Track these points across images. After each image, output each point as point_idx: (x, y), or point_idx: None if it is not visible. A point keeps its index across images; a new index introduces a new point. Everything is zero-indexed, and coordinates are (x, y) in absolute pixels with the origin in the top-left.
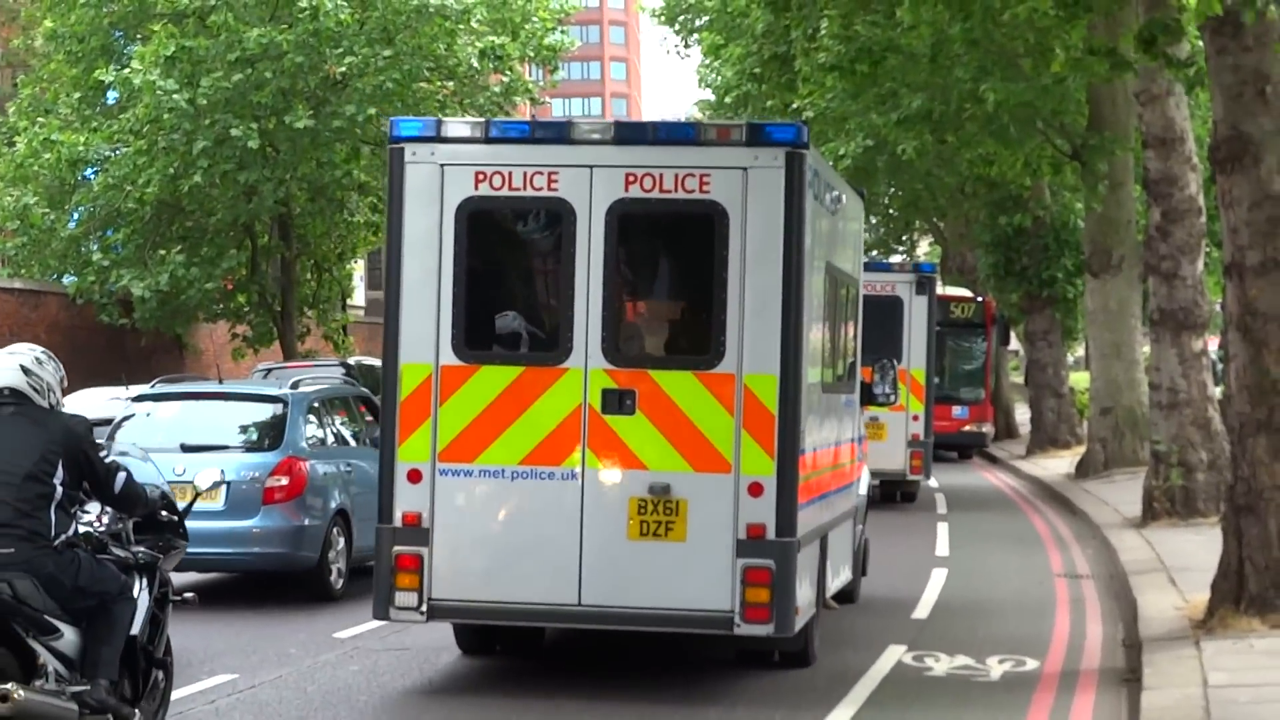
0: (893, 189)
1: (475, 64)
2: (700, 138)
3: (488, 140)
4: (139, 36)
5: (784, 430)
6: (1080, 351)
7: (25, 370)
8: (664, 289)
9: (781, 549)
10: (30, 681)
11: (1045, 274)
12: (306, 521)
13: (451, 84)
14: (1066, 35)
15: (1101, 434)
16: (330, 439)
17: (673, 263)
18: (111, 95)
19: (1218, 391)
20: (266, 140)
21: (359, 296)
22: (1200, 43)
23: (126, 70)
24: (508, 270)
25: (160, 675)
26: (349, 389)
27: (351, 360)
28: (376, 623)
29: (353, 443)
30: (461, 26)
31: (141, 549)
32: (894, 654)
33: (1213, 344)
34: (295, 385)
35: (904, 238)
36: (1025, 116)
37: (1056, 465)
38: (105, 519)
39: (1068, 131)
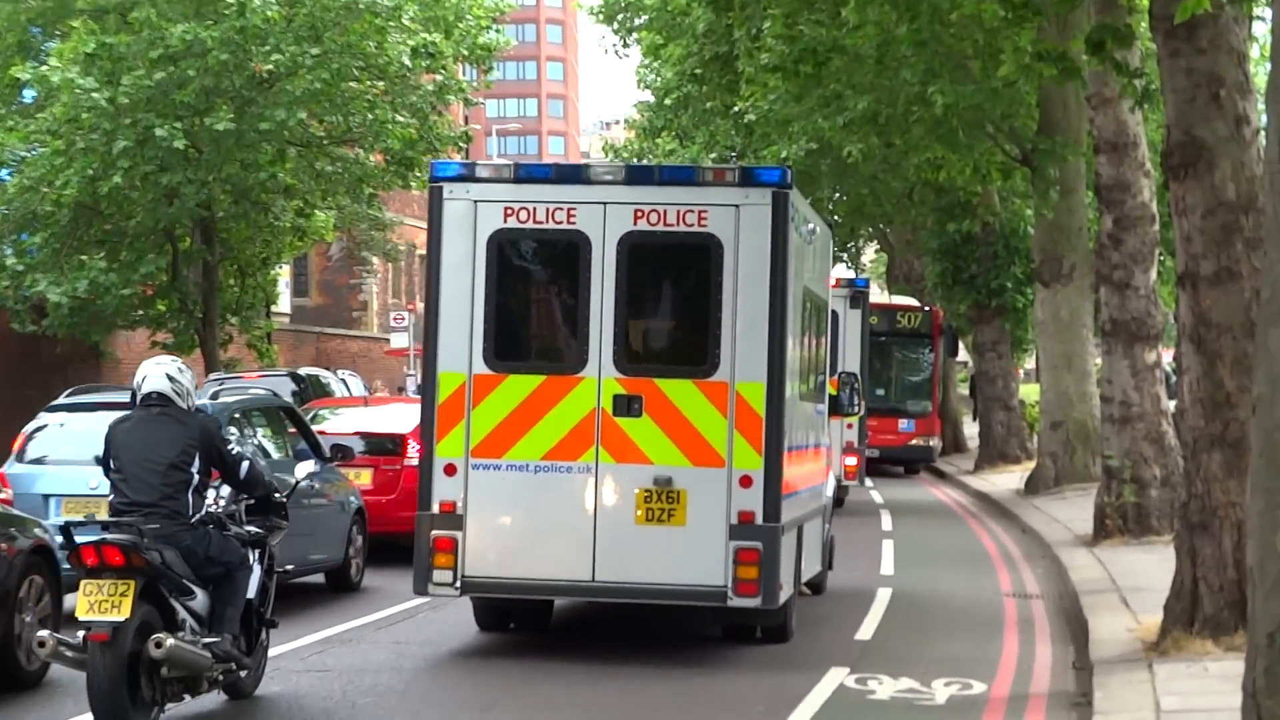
0: (837, 194)
1: (407, 63)
2: (699, 179)
3: (515, 180)
4: (57, 33)
5: (770, 430)
6: (1030, 363)
7: (170, 378)
8: (667, 308)
9: (768, 533)
10: (172, 634)
11: (994, 283)
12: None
13: (382, 83)
14: (1016, 37)
15: (1052, 448)
16: (252, 453)
17: (675, 286)
18: (28, 94)
19: (1171, 405)
20: (189, 141)
21: (284, 303)
22: (1154, 45)
23: (44, 68)
24: (532, 292)
25: (266, 633)
26: (273, 399)
27: (302, 370)
28: (298, 643)
29: (277, 457)
30: (392, 24)
31: (251, 527)
32: (835, 676)
33: (1167, 356)
34: (215, 395)
35: (849, 245)
36: (974, 120)
37: (1006, 481)
38: (222, 502)
39: (1018, 136)
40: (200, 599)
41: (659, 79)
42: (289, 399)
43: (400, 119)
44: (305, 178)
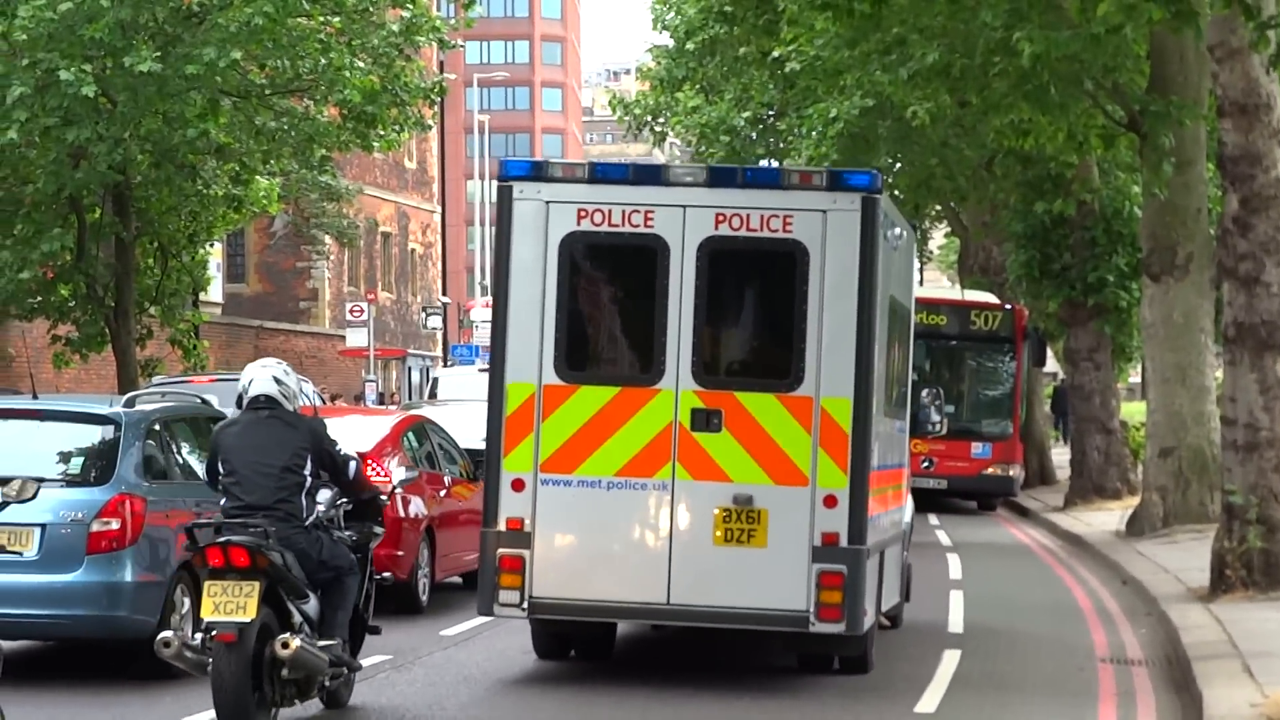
0: (898, 164)
1: None
2: (785, 182)
3: (590, 180)
4: None
5: (856, 448)
6: (1135, 376)
7: (277, 380)
8: (749, 319)
9: (853, 555)
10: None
11: (1092, 276)
12: (142, 577)
13: (338, 20)
14: None
15: (1160, 481)
16: (176, 471)
17: (757, 295)
18: None
19: None
20: (101, 88)
21: (215, 291)
22: None
23: None
24: (606, 299)
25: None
26: (202, 408)
27: None
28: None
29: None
30: None
31: (350, 532)
32: None
33: None
34: (130, 402)
35: (912, 227)
36: (1069, 74)
37: (1103, 520)
38: (320, 507)
39: (1123, 94)
40: (312, 603)
41: (679, 18)
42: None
43: (360, 65)
44: (242, 135)
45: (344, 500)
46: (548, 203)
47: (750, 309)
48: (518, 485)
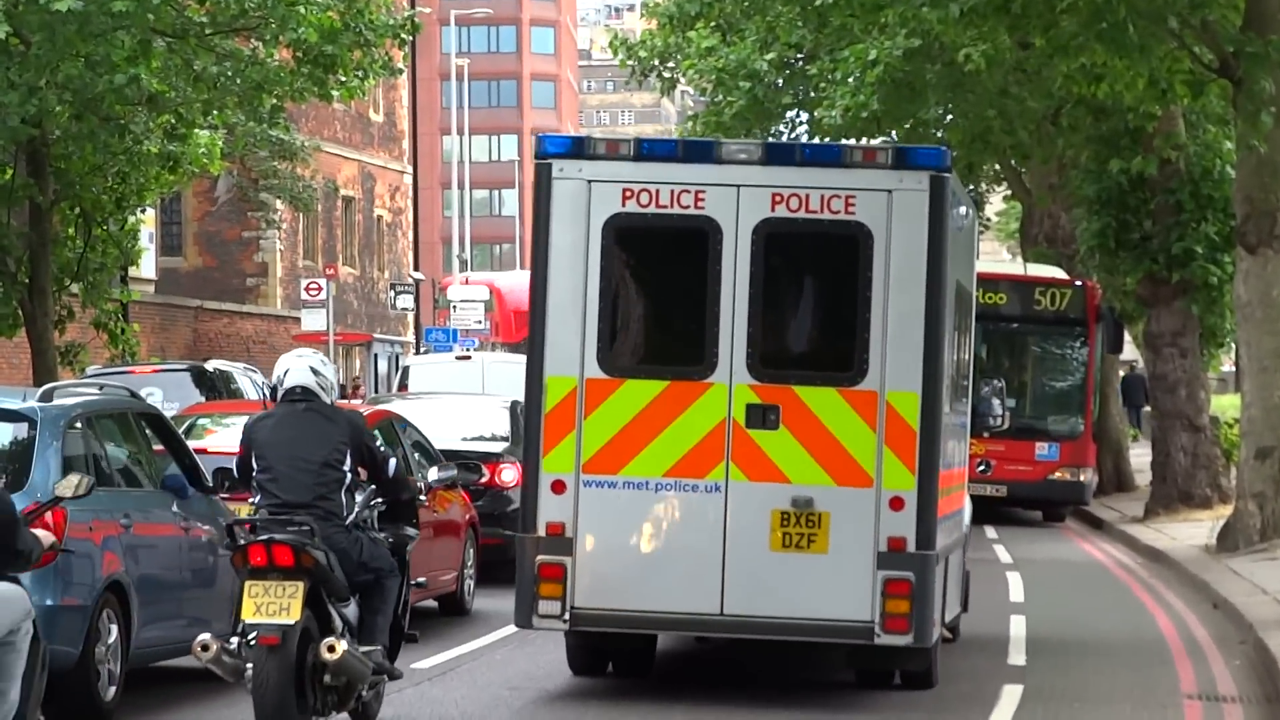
0: (949, 115)
1: None
2: (847, 159)
3: (635, 158)
4: None
5: (924, 446)
6: (1228, 364)
7: (314, 371)
8: (808, 307)
9: (921, 561)
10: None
11: (1177, 247)
12: (63, 601)
13: None
14: None
15: (1257, 487)
16: (102, 475)
17: (817, 282)
18: None
19: None
20: (12, 27)
21: (147, 266)
22: None
23: None
24: (653, 286)
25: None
26: (133, 402)
27: (211, 365)
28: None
29: (145, 483)
30: None
31: (384, 534)
32: None
33: None
34: (47, 396)
35: (966, 190)
36: (1151, 11)
37: (1190, 533)
38: (355, 507)
39: (1214, 34)
40: (351, 607)
41: None
42: (198, 399)
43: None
44: (179, 82)
45: (379, 500)
46: (589, 182)
47: (809, 296)
48: (558, 487)
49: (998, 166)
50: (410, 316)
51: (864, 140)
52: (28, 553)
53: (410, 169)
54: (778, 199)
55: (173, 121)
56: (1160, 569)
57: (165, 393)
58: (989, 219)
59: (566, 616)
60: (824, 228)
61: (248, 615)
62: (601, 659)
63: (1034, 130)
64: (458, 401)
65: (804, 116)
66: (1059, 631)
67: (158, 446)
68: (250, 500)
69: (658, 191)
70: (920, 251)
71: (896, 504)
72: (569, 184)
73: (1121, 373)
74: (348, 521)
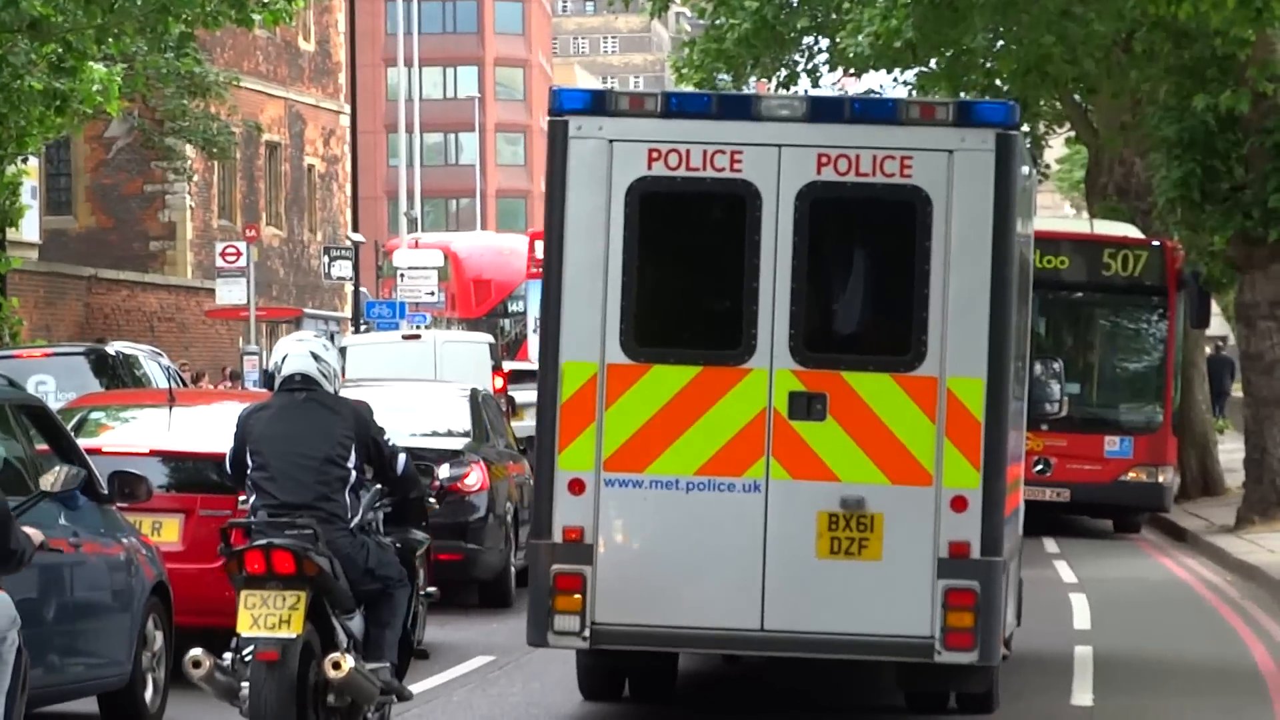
0: (999, 41)
1: None
2: (902, 116)
3: (663, 114)
4: None
5: (990, 439)
6: None
7: (315, 356)
8: (859, 282)
9: (987, 569)
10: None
11: (1275, 199)
12: None
13: None
14: None
15: None
16: None
17: (869, 254)
18: None
19: None
20: None
21: (29, 227)
22: None
23: None
24: (683, 259)
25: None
26: (10, 392)
27: (113, 347)
28: None
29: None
30: None
31: (390, 538)
32: None
33: None
34: None
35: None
36: None
37: None
38: (360, 508)
39: None
40: (356, 619)
41: None
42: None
43: None
44: (67, 4)
45: (384, 500)
46: (611, 141)
47: (860, 270)
48: (576, 487)
49: (1058, 103)
50: (348, 287)
51: (896, 72)
52: (21, 552)
53: (348, 108)
54: (824, 160)
55: (60, 52)
56: (1256, 589)
57: (58, 381)
58: (1048, 167)
59: (586, 634)
60: (876, 192)
61: (244, 628)
62: (618, 681)
63: (1102, 59)
64: (406, 390)
65: (823, 44)
66: (1133, 665)
67: (41, 445)
68: (244, 501)
69: (688, 152)
70: (985, 219)
71: (959, 504)
72: (588, 144)
73: (1207, 351)
74: (352, 524)
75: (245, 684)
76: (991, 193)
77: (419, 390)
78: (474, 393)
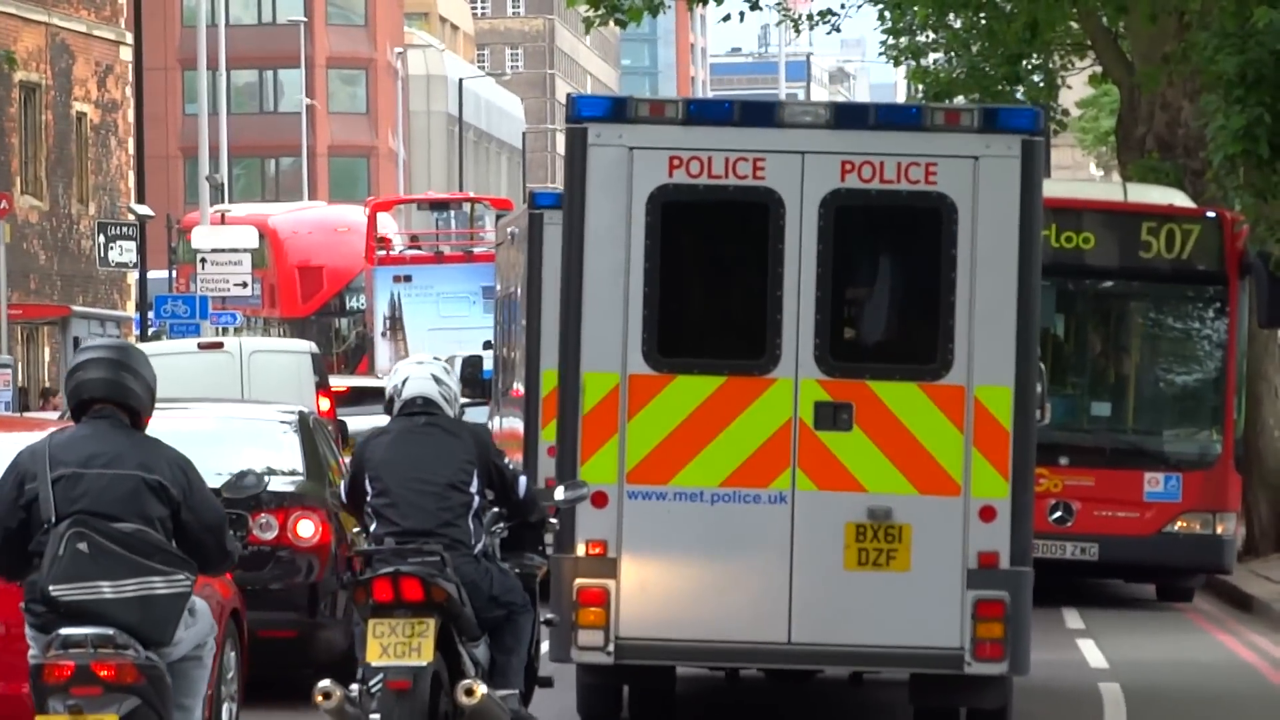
0: None
1: None
2: (926, 122)
3: (684, 121)
4: None
5: (1019, 449)
6: None
7: (436, 380)
8: (884, 290)
9: (1017, 579)
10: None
11: None
12: None
13: None
14: None
15: None
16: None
17: (894, 261)
18: None
19: None
20: None
21: None
22: None
23: None
24: (706, 268)
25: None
26: None
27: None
28: None
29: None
30: None
31: (508, 564)
32: None
33: None
34: None
35: (1033, 63)
36: None
37: None
38: (481, 534)
39: None
40: (481, 647)
41: None
42: None
43: None
44: None
45: (502, 525)
46: (632, 149)
47: (885, 279)
48: (599, 500)
49: (1075, 24)
50: (132, 277)
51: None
52: (234, 554)
53: (130, 37)
54: (848, 167)
55: None
56: None
57: None
58: (1065, 113)
59: (610, 648)
60: (901, 200)
61: (373, 658)
62: (617, 700)
63: None
64: (212, 414)
65: None
66: None
67: None
68: (361, 529)
69: (710, 159)
70: (1011, 226)
71: (987, 514)
72: (608, 152)
73: None
74: (476, 550)
75: (374, 715)
76: (1018, 199)
77: (230, 414)
78: (303, 417)
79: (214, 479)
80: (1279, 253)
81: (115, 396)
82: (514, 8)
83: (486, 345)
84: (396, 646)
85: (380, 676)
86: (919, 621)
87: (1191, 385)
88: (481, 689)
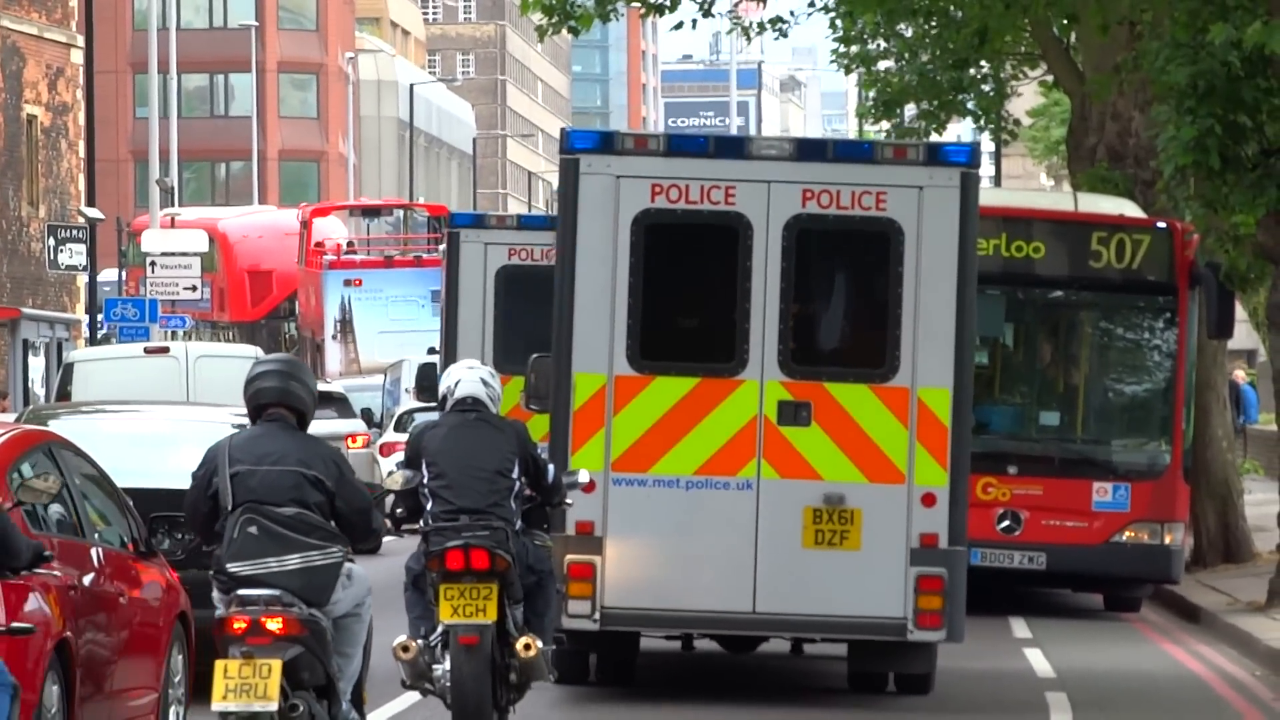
0: None
1: None
2: (877, 156)
3: (665, 153)
4: None
5: (956, 443)
6: None
7: (485, 382)
8: (839, 304)
9: (954, 558)
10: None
11: None
12: None
13: None
14: None
15: None
16: None
17: (848, 278)
18: None
19: None
20: None
21: None
22: None
23: None
24: (683, 282)
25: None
26: None
27: None
28: None
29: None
30: None
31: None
32: None
33: None
34: None
35: (983, 72)
36: None
37: None
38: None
39: None
40: (519, 608)
41: None
42: None
43: None
44: None
45: (525, 504)
46: (618, 178)
47: (841, 293)
48: (588, 486)
49: (1028, 35)
50: (81, 280)
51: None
52: (380, 530)
53: (81, 40)
54: (809, 195)
55: None
56: None
57: None
58: (1016, 123)
59: (596, 616)
60: (855, 224)
61: (446, 617)
62: (584, 665)
63: None
64: (156, 417)
65: None
66: None
67: None
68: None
69: (687, 187)
70: (951, 248)
71: (928, 500)
72: (597, 180)
73: (1237, 371)
74: (517, 527)
75: (438, 666)
76: (957, 224)
77: (184, 416)
78: None
79: (169, 479)
80: (1228, 264)
81: (286, 401)
82: (465, 14)
83: (431, 350)
84: (465, 607)
85: (452, 633)
86: (868, 594)
87: (1141, 395)
88: (538, 644)
